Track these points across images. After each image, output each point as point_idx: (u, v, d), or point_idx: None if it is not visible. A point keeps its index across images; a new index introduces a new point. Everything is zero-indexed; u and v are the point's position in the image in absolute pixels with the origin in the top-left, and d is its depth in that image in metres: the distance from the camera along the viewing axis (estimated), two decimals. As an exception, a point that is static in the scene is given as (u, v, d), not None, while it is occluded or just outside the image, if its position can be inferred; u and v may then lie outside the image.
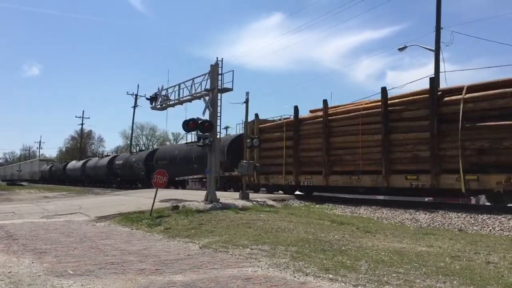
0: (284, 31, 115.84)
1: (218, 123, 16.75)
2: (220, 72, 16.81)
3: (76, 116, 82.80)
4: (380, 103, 16.39)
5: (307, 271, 6.34)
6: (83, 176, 53.93)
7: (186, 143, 34.86)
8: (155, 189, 14.96)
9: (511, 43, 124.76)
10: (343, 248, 8.25)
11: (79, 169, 55.38)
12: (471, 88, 14.26)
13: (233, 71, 17.17)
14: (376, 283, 5.66)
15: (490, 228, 11.37)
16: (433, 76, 23.00)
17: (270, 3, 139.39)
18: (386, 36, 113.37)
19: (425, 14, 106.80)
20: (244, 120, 20.28)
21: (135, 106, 58.70)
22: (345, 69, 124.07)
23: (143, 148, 62.58)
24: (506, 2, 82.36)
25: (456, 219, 12.52)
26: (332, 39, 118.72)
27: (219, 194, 16.44)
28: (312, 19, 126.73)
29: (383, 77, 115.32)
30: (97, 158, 55.98)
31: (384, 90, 16.30)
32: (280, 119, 23.91)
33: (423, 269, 6.48)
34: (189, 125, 16.14)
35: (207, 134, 16.32)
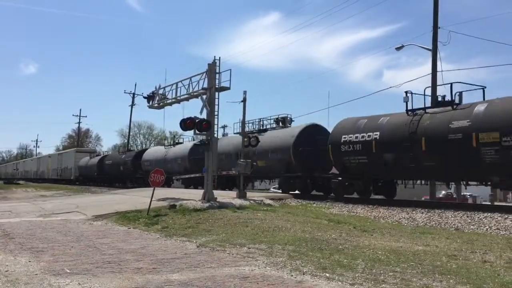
0: (281, 30, 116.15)
1: (216, 122, 16.74)
2: (217, 71, 16.79)
3: (73, 115, 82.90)
4: None
5: (304, 270, 6.35)
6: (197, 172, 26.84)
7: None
8: (152, 188, 14.96)
9: (507, 42, 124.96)
10: (340, 247, 8.27)
11: (180, 159, 30.35)
12: None
13: (230, 70, 17.17)
14: (372, 282, 5.68)
15: (487, 227, 11.40)
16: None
17: (267, 2, 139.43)
18: (383, 35, 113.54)
19: (421, 13, 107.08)
20: (241, 119, 20.19)
21: (132, 104, 58.40)
22: (342, 69, 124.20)
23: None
24: (503, 2, 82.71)
25: (452, 218, 12.56)
26: (329, 38, 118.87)
27: (216, 193, 16.44)
28: (309, 18, 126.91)
29: (380, 76, 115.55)
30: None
31: None
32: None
33: (420, 268, 6.49)
34: (186, 123, 16.13)
35: (205, 133, 16.32)
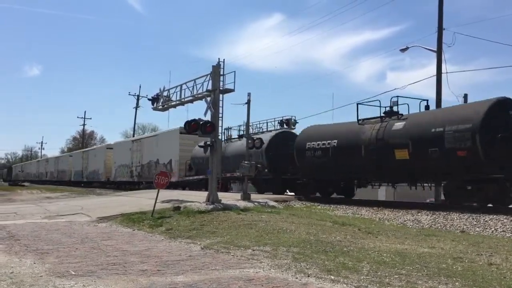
0: (284, 32, 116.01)
1: (220, 124, 16.75)
2: (221, 73, 16.80)
3: (77, 117, 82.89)
4: None
5: (309, 272, 6.33)
6: None
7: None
8: (156, 190, 14.97)
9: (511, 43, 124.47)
10: (345, 249, 8.24)
11: None
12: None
13: (234, 72, 17.13)
14: (378, 285, 5.65)
15: (492, 229, 11.34)
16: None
17: (270, 4, 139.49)
18: (386, 37, 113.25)
19: (425, 14, 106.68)
20: (246, 121, 20.16)
21: (136, 106, 58.82)
22: (345, 70, 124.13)
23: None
24: (507, 3, 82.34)
25: (458, 220, 12.49)
26: (332, 40, 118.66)
27: (220, 195, 16.43)
28: (312, 20, 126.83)
29: (383, 78, 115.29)
30: None
31: None
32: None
33: (425, 271, 6.46)
34: (191, 126, 16.14)
35: (209, 135, 16.32)
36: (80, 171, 52.35)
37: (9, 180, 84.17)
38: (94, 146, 59.79)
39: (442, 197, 18.57)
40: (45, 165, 71.42)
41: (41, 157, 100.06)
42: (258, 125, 25.55)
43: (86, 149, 58.90)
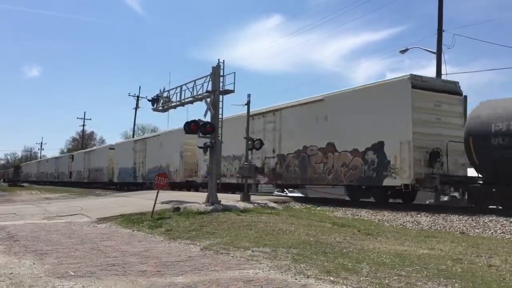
0: (284, 33, 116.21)
1: (220, 125, 16.74)
2: (221, 73, 16.80)
3: (77, 118, 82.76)
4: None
5: (308, 274, 6.33)
6: None
7: None
8: (156, 191, 14.96)
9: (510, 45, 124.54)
10: (344, 250, 8.24)
11: None
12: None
13: (234, 73, 17.11)
14: (377, 286, 5.65)
15: (492, 231, 11.33)
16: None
17: (269, 5, 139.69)
18: (386, 38, 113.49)
19: (425, 16, 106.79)
20: (246, 122, 20.11)
21: (136, 107, 58.77)
22: (345, 71, 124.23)
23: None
24: (507, 5, 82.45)
25: (457, 222, 12.49)
26: (332, 41, 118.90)
27: (220, 196, 16.43)
28: (312, 21, 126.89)
29: (383, 79, 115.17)
30: None
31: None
32: None
33: (425, 272, 6.46)
34: (190, 127, 16.14)
35: (209, 136, 16.32)
36: (131, 168, 37.81)
37: (17, 180, 79.69)
38: (158, 132, 42.66)
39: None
40: (68, 163, 56.39)
41: (40, 158, 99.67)
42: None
43: (141, 136, 43.34)
